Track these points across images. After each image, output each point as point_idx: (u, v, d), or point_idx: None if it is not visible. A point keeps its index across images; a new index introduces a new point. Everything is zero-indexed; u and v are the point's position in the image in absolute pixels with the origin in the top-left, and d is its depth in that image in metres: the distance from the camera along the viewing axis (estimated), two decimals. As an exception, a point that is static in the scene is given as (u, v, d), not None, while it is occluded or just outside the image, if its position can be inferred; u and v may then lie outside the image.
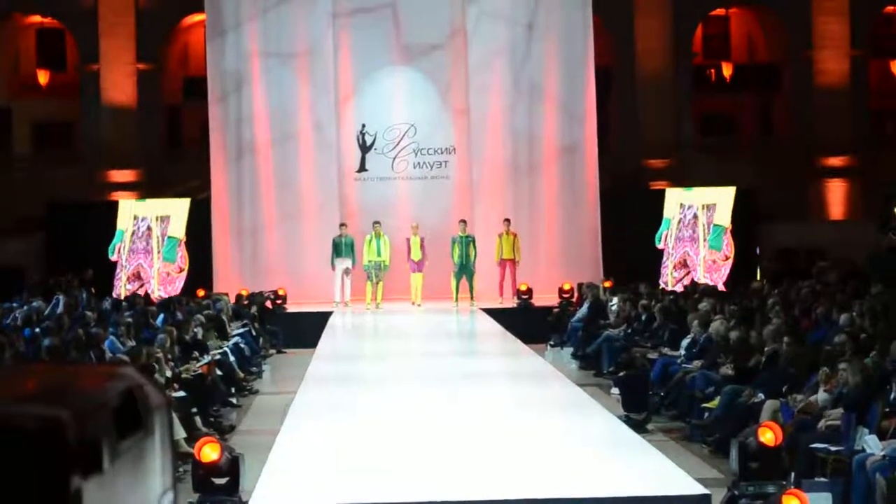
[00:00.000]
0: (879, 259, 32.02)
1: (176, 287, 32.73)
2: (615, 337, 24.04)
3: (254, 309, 28.56)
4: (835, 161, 41.72)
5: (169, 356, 18.55)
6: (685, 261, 33.56)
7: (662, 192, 35.05)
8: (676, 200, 33.70)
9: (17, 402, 3.03)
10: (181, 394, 16.73)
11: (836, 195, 41.72)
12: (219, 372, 20.38)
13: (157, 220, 33.16)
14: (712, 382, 17.78)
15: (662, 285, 32.05)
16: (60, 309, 25.39)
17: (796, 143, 42.21)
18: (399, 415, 14.71)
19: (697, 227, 33.65)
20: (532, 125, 32.80)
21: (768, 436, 10.78)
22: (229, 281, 31.90)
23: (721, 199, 33.93)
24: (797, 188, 41.08)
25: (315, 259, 31.54)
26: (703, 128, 45.14)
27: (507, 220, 30.90)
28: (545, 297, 30.20)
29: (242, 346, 24.03)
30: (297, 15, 32.92)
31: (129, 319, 21.91)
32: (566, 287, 30.12)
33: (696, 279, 32.15)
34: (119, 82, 41.41)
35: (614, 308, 26.46)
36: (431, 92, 33.11)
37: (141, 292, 30.78)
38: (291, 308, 30.62)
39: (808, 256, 35.40)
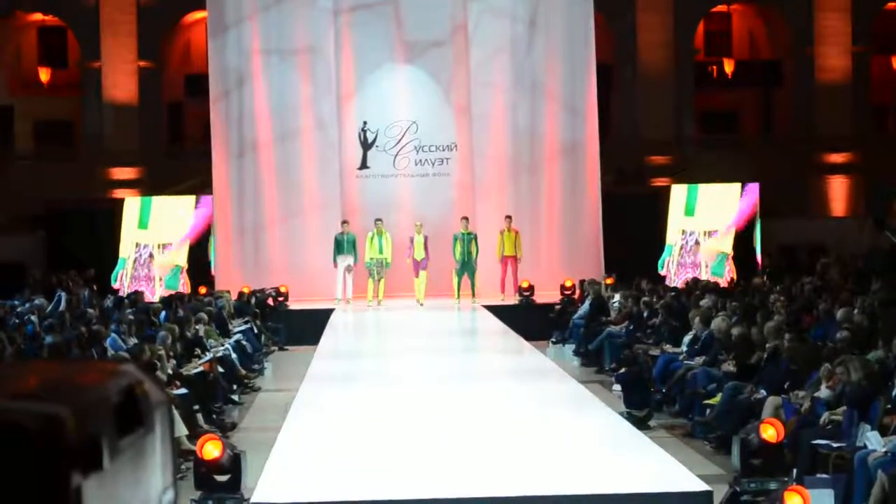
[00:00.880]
0: (877, 256, 32.02)
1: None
2: (617, 334, 24.02)
3: (255, 306, 28.55)
4: (836, 157, 41.74)
5: (171, 354, 18.55)
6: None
7: (663, 189, 35.05)
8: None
9: (17, 400, 3.02)
10: (183, 391, 16.73)
11: (838, 191, 41.75)
12: (220, 369, 20.38)
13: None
14: (714, 379, 17.78)
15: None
16: (62, 306, 25.40)
17: (798, 140, 42.24)
18: (401, 412, 14.71)
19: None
20: (534, 122, 32.77)
21: (770, 432, 10.78)
22: (231, 278, 31.88)
23: (727, 196, 33.82)
24: (799, 184, 41.10)
25: (317, 256, 31.53)
26: (705, 124, 45.15)
27: (509, 217, 30.88)
28: (547, 294, 30.18)
29: (244, 343, 24.02)
30: (299, 12, 32.89)
31: (132, 317, 21.91)
32: (568, 284, 30.09)
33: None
34: (120, 80, 41.45)
35: (616, 305, 26.46)
36: (433, 89, 33.08)
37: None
38: (293, 305, 30.61)
39: (809, 253, 35.40)
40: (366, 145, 32.89)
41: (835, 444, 13.01)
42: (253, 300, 29.06)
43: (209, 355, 20.44)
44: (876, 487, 11.71)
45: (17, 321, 22.82)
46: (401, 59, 32.98)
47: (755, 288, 26.75)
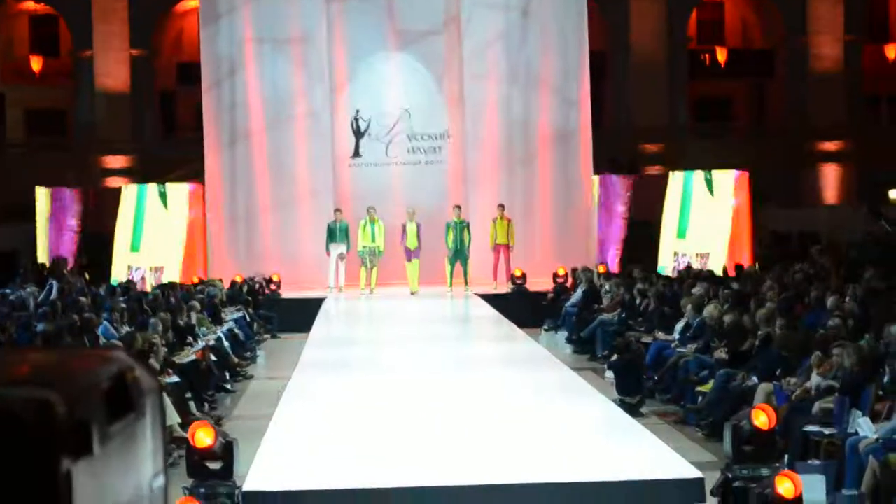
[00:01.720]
0: (869, 246, 32.06)
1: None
2: (609, 321, 24.06)
3: (248, 294, 28.57)
4: (828, 145, 41.79)
5: (163, 342, 18.55)
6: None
7: (660, 177, 35.05)
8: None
9: (6, 386, 3.02)
10: (175, 379, 16.74)
11: (830, 179, 41.80)
12: (213, 357, 20.40)
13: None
14: (706, 366, 17.81)
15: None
16: (54, 295, 25.39)
17: (790, 128, 42.30)
18: (393, 399, 14.71)
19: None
20: (527, 111, 32.76)
21: (762, 419, 10.79)
22: (224, 267, 31.88)
23: (722, 182, 33.71)
24: (791, 172, 41.15)
25: (309, 244, 31.55)
26: (698, 113, 45.20)
27: (502, 206, 30.89)
28: (539, 282, 30.19)
29: (237, 331, 24.05)
30: (291, 1, 32.86)
31: (124, 305, 21.90)
32: (560, 272, 30.13)
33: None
34: (112, 68, 41.42)
35: (606, 289, 26.48)
36: (426, 78, 33.07)
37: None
38: (286, 293, 30.61)
39: (801, 240, 35.44)
40: (358, 133, 32.88)
41: (826, 431, 13.05)
42: (245, 288, 29.08)
43: (201, 343, 20.45)
44: (867, 473, 11.75)
45: (6, 310, 22.80)
46: (394, 48, 32.96)
47: (747, 275, 26.78)
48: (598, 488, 10.28)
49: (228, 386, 20.72)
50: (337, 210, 30.89)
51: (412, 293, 29.57)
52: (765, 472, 10.53)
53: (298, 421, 13.46)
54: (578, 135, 32.85)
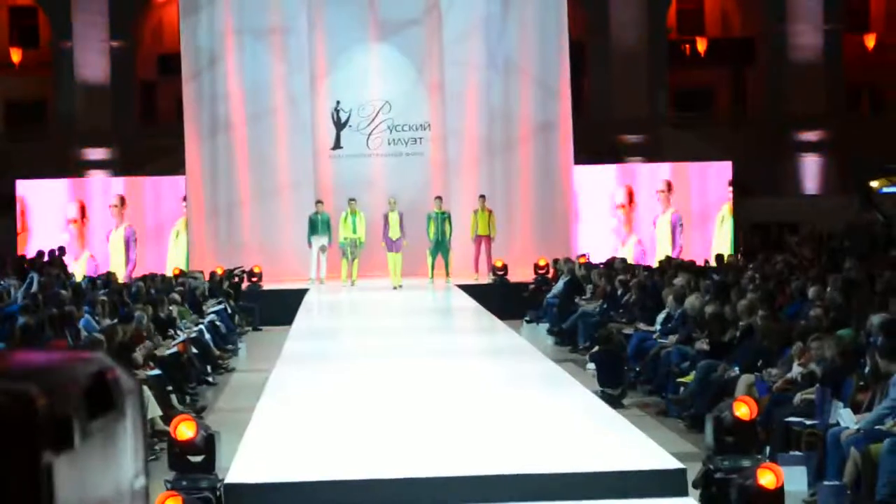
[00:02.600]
0: (857, 234, 32.10)
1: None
2: (591, 312, 24.07)
3: (229, 286, 28.51)
4: (809, 135, 41.83)
5: (144, 333, 18.52)
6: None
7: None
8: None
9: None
10: (156, 372, 16.70)
11: (810, 169, 41.85)
12: (194, 350, 20.36)
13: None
14: (687, 357, 17.83)
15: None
16: (35, 288, 25.30)
17: (770, 118, 42.33)
18: (375, 391, 14.71)
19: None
20: (507, 101, 32.74)
21: (743, 410, 10.81)
22: (204, 259, 31.84)
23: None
24: (771, 162, 41.20)
25: (290, 236, 31.53)
26: (678, 103, 45.23)
27: (483, 197, 30.90)
28: (520, 273, 30.22)
29: (218, 323, 23.99)
30: (271, -9, 32.81)
31: (104, 298, 21.83)
32: (541, 263, 30.14)
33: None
34: (92, 59, 41.27)
35: (592, 280, 26.50)
36: (406, 68, 33.03)
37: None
38: (267, 285, 30.58)
39: (781, 230, 35.50)
40: (339, 125, 32.83)
41: (808, 422, 13.06)
42: (226, 281, 29.02)
43: (183, 336, 20.41)
44: (849, 464, 11.77)
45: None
46: (374, 38, 32.90)
47: (728, 266, 26.82)
48: (580, 479, 10.29)
49: (210, 379, 20.69)
50: (318, 202, 30.86)
51: (395, 287, 29.31)
52: (746, 463, 10.55)
53: (280, 413, 13.46)
54: (559, 125, 32.86)
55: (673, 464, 10.56)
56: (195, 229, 32.87)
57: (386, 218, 29.80)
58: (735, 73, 45.94)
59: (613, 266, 27.33)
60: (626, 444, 11.40)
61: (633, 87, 41.13)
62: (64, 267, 30.26)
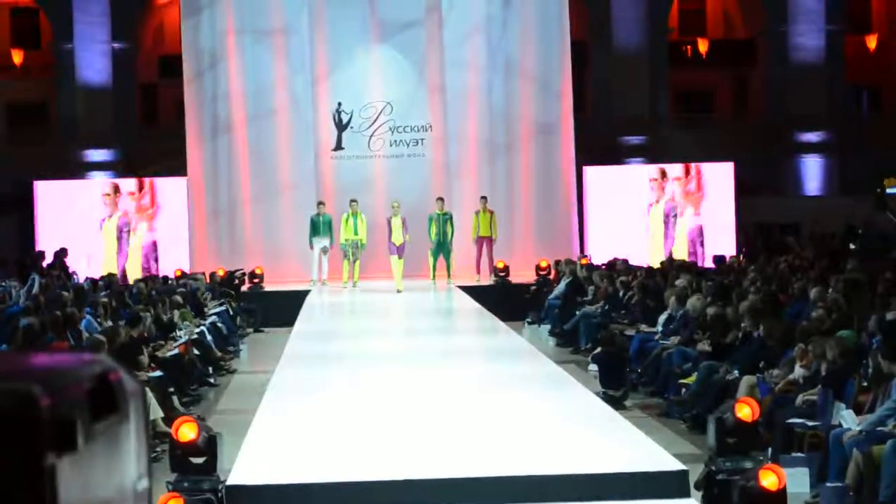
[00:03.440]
0: (869, 234, 32.13)
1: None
2: (592, 314, 24.06)
3: (230, 288, 28.51)
4: (810, 136, 41.83)
5: (146, 335, 18.53)
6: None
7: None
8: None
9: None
10: (158, 374, 16.70)
11: (812, 170, 41.85)
12: (196, 351, 20.36)
13: None
14: (689, 358, 17.82)
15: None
16: (36, 289, 25.30)
17: (772, 119, 42.33)
18: (376, 393, 14.70)
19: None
20: (508, 102, 32.75)
21: (745, 411, 10.80)
22: (206, 260, 31.85)
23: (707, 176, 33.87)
24: (773, 163, 41.21)
25: (292, 238, 31.52)
26: (679, 103, 45.23)
27: (484, 198, 30.89)
28: (522, 275, 30.22)
29: (220, 325, 23.98)
30: (272, -8, 32.81)
31: (106, 299, 21.83)
32: (543, 264, 30.13)
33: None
34: (94, 61, 41.29)
35: (594, 282, 26.48)
36: (408, 69, 33.01)
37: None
38: (268, 287, 30.56)
39: (783, 231, 35.49)
40: (340, 126, 32.81)
41: (810, 423, 13.06)
42: (228, 282, 29.01)
43: (184, 337, 20.41)
44: (851, 466, 11.76)
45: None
46: (375, 40, 32.88)
47: (730, 267, 26.81)
48: (582, 481, 10.28)
49: (212, 380, 20.68)
50: (320, 203, 30.84)
51: (398, 291, 29.13)
52: (748, 464, 10.54)
53: (282, 415, 13.44)
54: (560, 125, 32.86)
55: (675, 465, 10.55)
56: (197, 230, 32.86)
57: (389, 223, 29.65)
58: (736, 73, 45.95)
59: (614, 267, 27.31)
60: (628, 445, 11.39)
61: (635, 87, 41.13)
62: (65, 268, 30.27)
